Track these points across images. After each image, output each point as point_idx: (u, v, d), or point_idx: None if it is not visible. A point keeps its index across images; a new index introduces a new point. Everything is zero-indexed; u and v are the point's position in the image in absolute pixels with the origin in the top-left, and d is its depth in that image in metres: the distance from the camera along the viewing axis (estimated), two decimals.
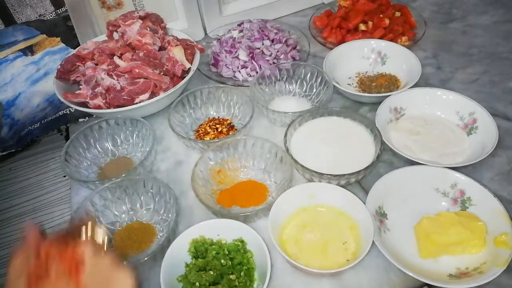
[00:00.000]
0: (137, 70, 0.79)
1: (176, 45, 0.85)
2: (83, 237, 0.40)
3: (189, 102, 0.82)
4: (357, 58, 0.92)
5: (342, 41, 0.97)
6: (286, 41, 0.95)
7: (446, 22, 1.06)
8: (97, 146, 0.78)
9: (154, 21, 0.89)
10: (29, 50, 0.92)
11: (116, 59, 0.82)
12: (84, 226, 0.41)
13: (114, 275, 0.37)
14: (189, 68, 0.85)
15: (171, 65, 0.83)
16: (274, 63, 0.91)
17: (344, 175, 0.63)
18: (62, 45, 0.95)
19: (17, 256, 0.37)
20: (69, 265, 0.35)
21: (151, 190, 0.68)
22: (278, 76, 0.87)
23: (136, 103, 0.77)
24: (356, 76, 0.91)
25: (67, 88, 0.84)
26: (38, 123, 0.98)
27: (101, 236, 0.40)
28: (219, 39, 0.98)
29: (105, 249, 0.39)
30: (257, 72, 0.90)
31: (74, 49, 0.92)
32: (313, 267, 0.56)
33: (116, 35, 0.88)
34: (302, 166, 0.65)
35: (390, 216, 0.63)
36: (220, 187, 0.70)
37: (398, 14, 1.00)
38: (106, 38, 0.90)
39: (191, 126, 0.82)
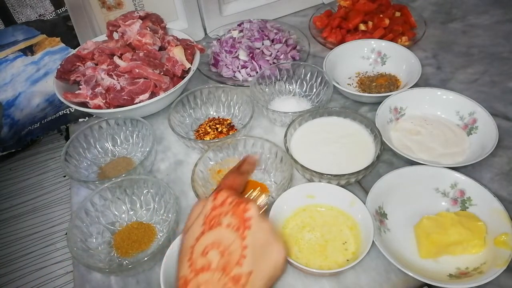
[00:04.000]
0: (137, 70, 0.79)
1: (176, 45, 0.85)
2: (252, 198, 0.45)
3: (189, 102, 0.82)
4: (357, 58, 0.92)
5: (342, 41, 0.97)
6: (286, 41, 0.95)
7: (446, 22, 1.06)
8: (97, 146, 0.78)
9: (154, 21, 0.89)
10: (29, 50, 0.92)
11: (116, 59, 0.82)
12: (250, 169, 0.48)
13: (271, 243, 0.39)
14: (189, 68, 0.85)
15: (171, 65, 0.83)
16: (274, 63, 0.91)
17: (344, 175, 0.63)
18: (62, 45, 0.95)
19: (199, 202, 0.43)
20: (239, 221, 0.39)
21: (151, 190, 0.68)
22: (278, 76, 0.87)
23: (136, 103, 0.77)
24: (356, 76, 0.91)
25: (67, 88, 0.84)
26: (38, 123, 0.98)
27: (264, 202, 0.45)
28: (219, 39, 0.98)
29: (267, 217, 0.43)
30: (257, 72, 0.90)
31: (74, 49, 0.92)
32: (313, 267, 0.56)
33: (116, 35, 0.88)
34: (302, 166, 0.65)
35: (390, 216, 0.63)
36: None
37: (398, 14, 1.00)
38: (106, 38, 0.90)
39: (191, 126, 0.82)
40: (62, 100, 0.79)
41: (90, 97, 0.78)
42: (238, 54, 0.91)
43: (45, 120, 0.98)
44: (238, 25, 1.00)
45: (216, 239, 0.38)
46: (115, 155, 0.80)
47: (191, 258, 0.37)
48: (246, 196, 0.46)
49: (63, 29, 0.93)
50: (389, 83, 0.85)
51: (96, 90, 0.79)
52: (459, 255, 0.57)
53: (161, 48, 0.87)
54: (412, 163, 0.67)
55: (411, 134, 0.75)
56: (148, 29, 0.86)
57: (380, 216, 0.62)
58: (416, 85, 0.79)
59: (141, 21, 0.85)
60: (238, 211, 0.39)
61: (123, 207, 0.68)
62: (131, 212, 0.68)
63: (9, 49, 0.90)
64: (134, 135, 0.80)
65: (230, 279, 0.35)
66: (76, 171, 0.73)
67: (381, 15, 0.97)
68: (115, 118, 0.78)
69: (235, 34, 0.96)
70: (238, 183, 0.45)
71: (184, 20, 1.03)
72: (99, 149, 0.79)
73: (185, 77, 0.84)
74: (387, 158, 0.73)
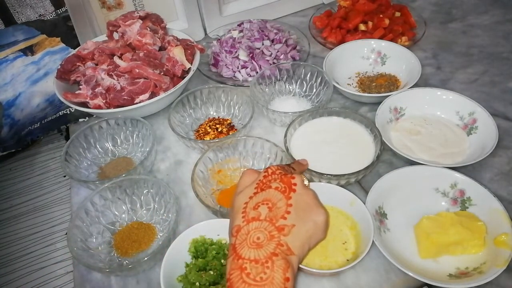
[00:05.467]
0: (137, 70, 0.79)
1: (176, 45, 0.85)
2: (298, 172, 0.52)
3: (189, 102, 0.82)
4: (357, 58, 0.92)
5: (342, 41, 0.97)
6: (286, 41, 0.95)
7: (446, 22, 1.06)
8: (97, 146, 0.79)
9: (154, 21, 0.89)
10: (29, 50, 0.92)
11: (116, 59, 0.82)
12: (299, 168, 0.54)
13: (313, 206, 0.45)
14: (189, 68, 0.85)
15: (171, 65, 0.83)
16: (274, 63, 0.91)
17: (344, 175, 0.63)
18: (62, 45, 0.95)
19: (247, 173, 0.50)
20: (285, 185, 0.45)
21: (151, 190, 0.68)
22: (278, 76, 0.87)
23: (136, 103, 0.77)
24: (356, 76, 0.91)
25: (67, 88, 0.84)
26: (38, 123, 0.98)
27: (307, 180, 0.52)
28: (219, 39, 0.98)
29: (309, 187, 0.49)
30: (257, 72, 0.90)
31: (74, 49, 0.92)
32: (313, 267, 0.56)
33: (116, 35, 0.88)
34: None
35: (390, 216, 0.63)
36: (220, 187, 0.70)
37: (398, 14, 1.00)
38: (106, 38, 0.90)
39: (191, 126, 0.82)
40: (62, 100, 0.79)
41: (90, 97, 0.78)
42: (238, 54, 0.91)
43: (45, 120, 0.98)
44: (238, 25, 1.00)
45: (266, 198, 0.44)
46: (115, 155, 0.80)
47: (245, 211, 0.44)
48: None
49: (63, 29, 0.93)
50: (389, 83, 0.85)
51: (96, 90, 0.79)
52: (459, 255, 0.58)
53: (161, 48, 0.87)
54: (412, 163, 0.67)
55: (411, 134, 0.75)
56: (148, 29, 0.86)
57: (380, 216, 0.62)
58: (416, 85, 0.79)
59: (141, 21, 0.85)
60: (285, 178, 0.46)
61: (123, 207, 0.68)
62: (131, 212, 0.68)
63: (9, 49, 0.90)
64: (134, 135, 0.80)
65: (275, 228, 0.41)
66: (76, 171, 0.73)
67: (381, 15, 0.97)
68: (115, 118, 0.78)
69: (235, 34, 0.96)
70: (286, 168, 0.51)
71: (184, 20, 1.03)
72: (99, 149, 0.79)
73: (185, 77, 0.84)
74: (387, 158, 0.73)
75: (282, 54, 0.92)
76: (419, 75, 0.80)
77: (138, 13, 0.87)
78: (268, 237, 0.41)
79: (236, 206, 0.45)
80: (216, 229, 0.60)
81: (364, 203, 0.59)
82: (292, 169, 0.53)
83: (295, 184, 0.46)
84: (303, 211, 0.44)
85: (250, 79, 0.90)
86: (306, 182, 0.51)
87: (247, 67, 0.91)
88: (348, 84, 0.89)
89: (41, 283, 1.28)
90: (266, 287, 0.37)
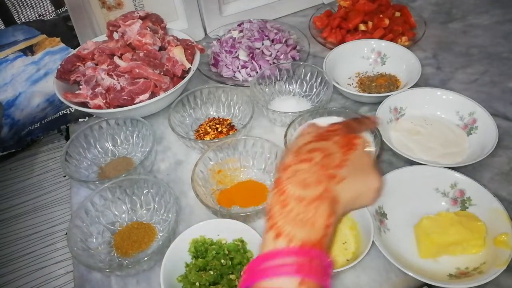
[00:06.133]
0: (137, 70, 0.79)
1: (176, 45, 0.85)
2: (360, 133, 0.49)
3: (189, 102, 0.82)
4: (357, 58, 0.92)
5: (342, 41, 0.97)
6: (286, 41, 0.95)
7: (446, 22, 1.06)
8: (97, 146, 0.79)
9: (154, 21, 0.89)
10: (29, 50, 0.92)
11: (116, 59, 0.82)
12: (365, 125, 0.50)
13: (370, 170, 0.42)
14: (189, 68, 0.85)
15: (171, 65, 0.83)
16: (274, 63, 0.91)
17: None
18: (62, 45, 0.95)
19: (310, 125, 0.47)
20: (346, 142, 0.43)
21: (151, 190, 0.68)
22: (278, 76, 0.87)
23: (136, 103, 0.77)
24: (356, 76, 0.91)
25: (67, 88, 0.84)
26: (38, 123, 0.98)
27: (373, 149, 0.50)
28: (219, 39, 0.98)
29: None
30: (257, 72, 0.90)
31: (74, 49, 0.92)
32: None
33: (116, 35, 0.88)
34: None
35: (390, 216, 0.63)
36: (220, 187, 0.70)
37: (398, 14, 1.00)
38: (106, 38, 0.90)
39: (191, 126, 0.82)
40: (62, 100, 0.79)
41: (90, 97, 0.78)
42: (238, 54, 0.91)
43: (45, 120, 0.98)
44: (238, 25, 1.00)
45: (324, 147, 0.42)
46: (115, 155, 0.80)
47: (298, 152, 0.41)
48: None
49: (63, 29, 0.93)
50: (389, 83, 0.85)
51: (96, 90, 0.79)
52: (459, 255, 0.58)
53: (161, 48, 0.87)
54: (412, 163, 0.67)
55: (411, 134, 0.75)
56: (148, 29, 0.86)
57: (380, 216, 0.62)
58: (416, 85, 0.79)
59: (141, 21, 0.85)
60: (348, 136, 0.44)
61: (123, 207, 0.68)
62: (131, 212, 0.68)
63: (9, 49, 0.90)
64: (134, 135, 0.80)
65: (326, 175, 0.38)
66: (76, 171, 0.73)
67: (381, 15, 0.97)
68: (115, 118, 0.78)
69: (235, 34, 0.96)
70: (354, 126, 0.48)
71: (184, 20, 1.03)
72: (99, 149, 0.79)
73: (185, 77, 0.84)
74: (387, 158, 0.73)
75: (282, 54, 0.92)
76: (419, 75, 0.80)
77: (138, 13, 0.87)
78: (316, 181, 0.38)
79: (291, 146, 0.44)
80: (216, 229, 0.61)
81: None
82: (357, 125, 0.50)
83: (356, 144, 0.43)
84: (358, 170, 0.41)
85: (250, 79, 0.90)
86: (372, 148, 0.49)
87: (247, 67, 0.91)
88: (348, 84, 0.89)
89: (41, 283, 1.28)
90: (306, 228, 0.35)
